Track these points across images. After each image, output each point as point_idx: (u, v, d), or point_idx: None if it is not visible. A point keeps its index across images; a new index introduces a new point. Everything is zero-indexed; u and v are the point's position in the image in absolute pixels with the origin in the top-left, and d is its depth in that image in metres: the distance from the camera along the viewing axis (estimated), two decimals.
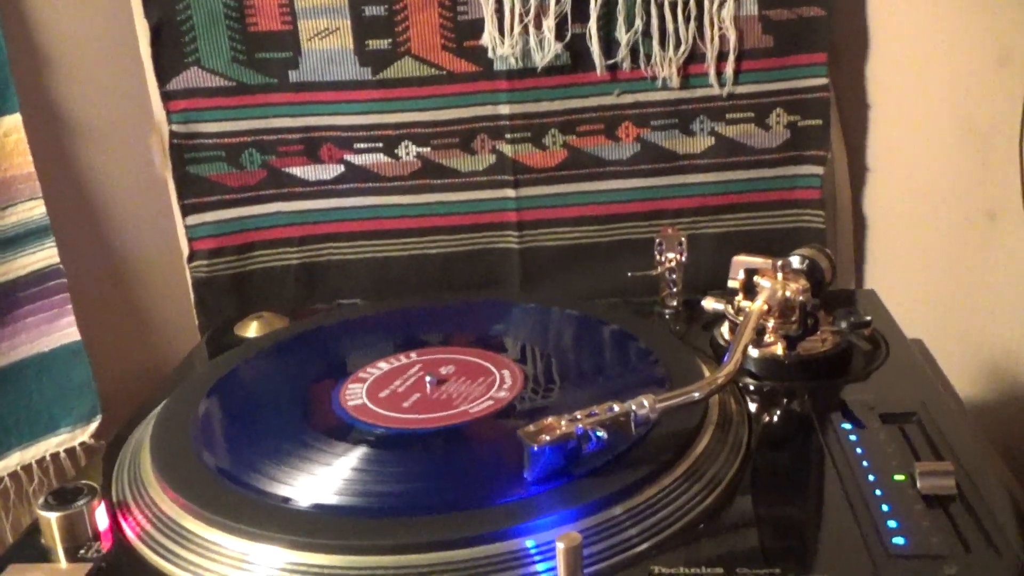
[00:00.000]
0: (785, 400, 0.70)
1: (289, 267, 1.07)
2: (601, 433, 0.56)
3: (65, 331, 0.92)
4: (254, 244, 1.06)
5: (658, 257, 0.83)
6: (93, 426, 0.94)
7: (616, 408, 0.58)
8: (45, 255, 0.91)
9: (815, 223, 1.06)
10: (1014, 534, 0.52)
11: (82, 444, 0.93)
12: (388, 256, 1.08)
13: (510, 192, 1.06)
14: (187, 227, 1.03)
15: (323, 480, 0.59)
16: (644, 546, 0.54)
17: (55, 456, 0.93)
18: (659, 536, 0.54)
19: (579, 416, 0.57)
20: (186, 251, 1.03)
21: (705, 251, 1.04)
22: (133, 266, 1.04)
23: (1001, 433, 0.92)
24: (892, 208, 1.10)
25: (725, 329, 0.77)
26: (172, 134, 1.01)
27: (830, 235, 1.09)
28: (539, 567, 0.52)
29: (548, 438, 0.56)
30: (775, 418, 0.68)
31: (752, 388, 0.71)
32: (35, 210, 0.90)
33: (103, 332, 0.98)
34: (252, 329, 0.87)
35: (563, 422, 0.57)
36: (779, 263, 0.73)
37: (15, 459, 0.90)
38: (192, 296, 1.04)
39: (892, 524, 0.53)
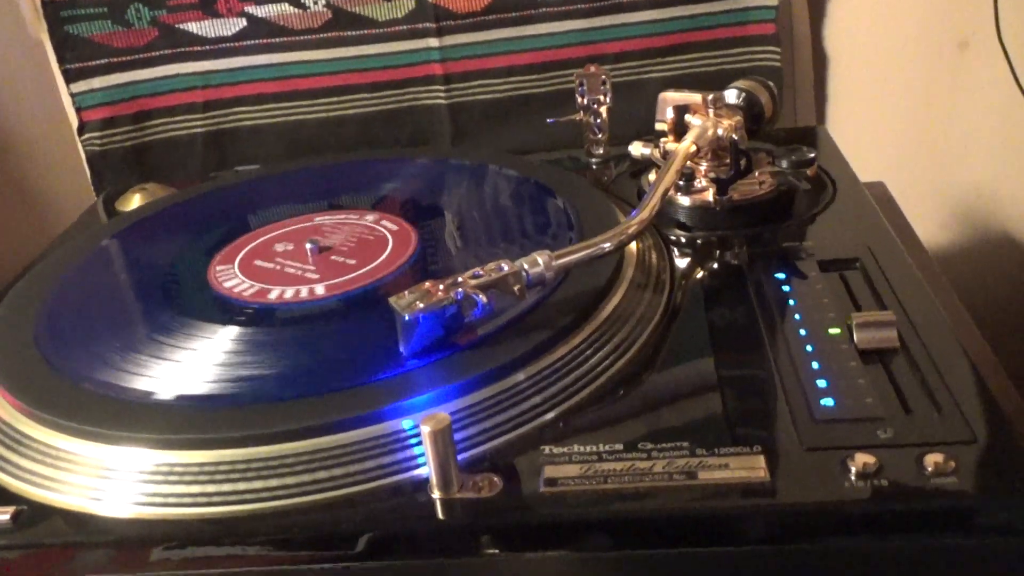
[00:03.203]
0: (717, 252, 0.62)
1: (194, 135, 0.97)
2: (481, 297, 0.48)
3: None
4: (151, 112, 0.96)
5: (580, 100, 0.74)
6: None
7: (506, 267, 0.50)
8: None
9: (771, 61, 0.97)
10: (963, 392, 0.45)
11: None
12: (302, 119, 0.99)
13: (433, 41, 0.97)
14: (72, 95, 0.93)
15: (188, 368, 0.51)
16: (534, 423, 0.46)
17: None
18: (553, 411, 0.47)
19: (460, 279, 0.49)
20: (75, 122, 0.94)
21: (651, 98, 0.95)
22: (18, 141, 0.94)
23: (972, 280, 0.85)
24: (855, 41, 1.01)
25: (653, 176, 0.69)
26: None
27: (787, 74, 1.00)
28: (416, 450, 0.45)
29: (422, 305, 0.48)
30: (704, 273, 0.60)
31: (684, 241, 0.63)
32: None
33: None
34: (134, 202, 0.78)
35: (441, 286, 0.49)
36: (711, 97, 0.64)
37: None
38: (87, 172, 0.95)
39: (822, 383, 0.46)
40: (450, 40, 0.97)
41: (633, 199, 0.69)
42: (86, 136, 0.94)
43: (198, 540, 0.43)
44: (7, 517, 0.44)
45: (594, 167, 0.76)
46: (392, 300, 0.48)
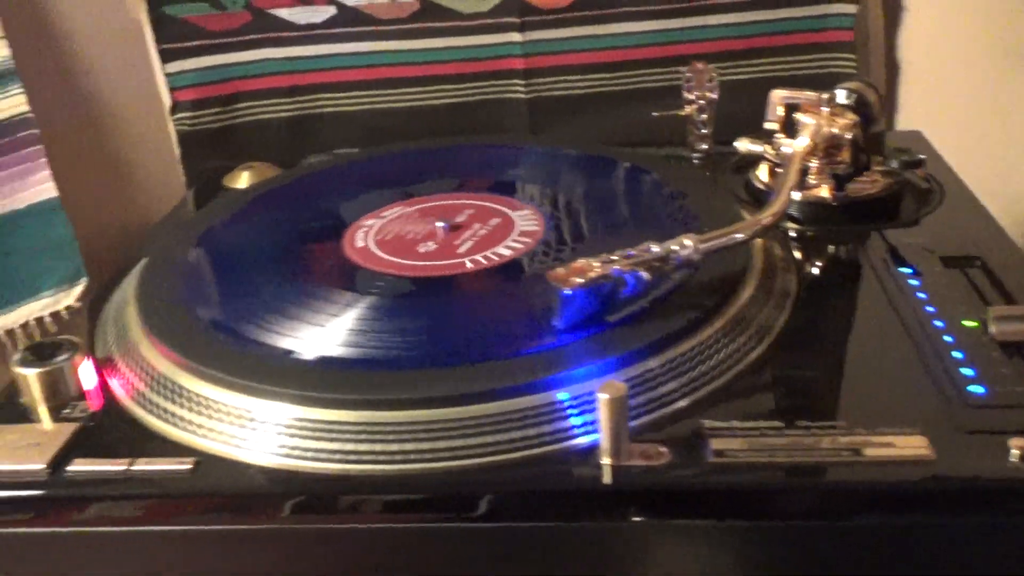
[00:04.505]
0: (832, 246, 0.64)
1: (279, 119, 0.99)
2: (644, 274, 0.50)
3: (41, 187, 0.85)
4: (240, 94, 0.98)
5: (686, 95, 0.76)
6: (78, 289, 0.87)
7: (655, 248, 0.52)
8: (13, 103, 0.83)
9: (846, 68, 0.99)
10: None
11: (68, 308, 0.87)
12: (385, 107, 1.00)
13: (516, 36, 0.98)
14: (167, 75, 0.94)
15: (331, 332, 0.53)
16: (685, 401, 0.48)
17: (40, 321, 0.86)
18: (703, 389, 0.49)
19: (615, 257, 0.51)
20: (168, 102, 0.95)
21: (724, 100, 0.96)
22: (113, 119, 0.96)
23: None
24: (927, 50, 1.02)
25: (763, 172, 0.71)
26: None
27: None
28: (573, 420, 0.47)
29: (581, 280, 0.49)
30: (822, 264, 0.62)
31: (794, 235, 0.65)
32: None
33: (82, 189, 0.90)
34: (243, 180, 0.80)
35: (597, 264, 0.50)
36: (824, 96, 0.66)
37: None
38: (177, 150, 0.96)
39: (967, 372, 0.48)
40: (533, 36, 0.98)
41: (739, 194, 0.71)
42: (178, 116, 0.95)
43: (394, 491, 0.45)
44: (188, 467, 0.46)
45: (695, 162, 0.78)
46: (550, 275, 0.50)
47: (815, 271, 0.61)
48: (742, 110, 0.89)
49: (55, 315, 0.87)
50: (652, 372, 0.48)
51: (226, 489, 0.45)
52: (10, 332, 0.86)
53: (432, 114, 1.01)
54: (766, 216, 0.56)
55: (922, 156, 0.67)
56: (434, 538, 0.45)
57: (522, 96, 1.00)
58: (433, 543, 0.45)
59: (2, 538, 0.46)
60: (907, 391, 0.48)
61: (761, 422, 0.46)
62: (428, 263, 0.60)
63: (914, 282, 0.57)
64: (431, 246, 0.62)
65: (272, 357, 0.51)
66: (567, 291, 0.49)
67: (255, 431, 0.47)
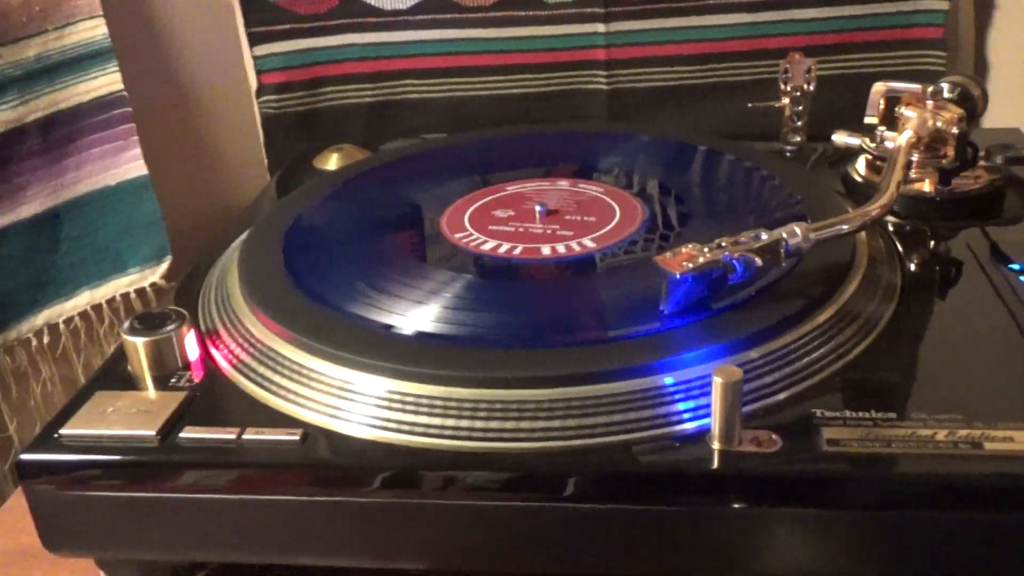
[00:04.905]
0: (933, 242, 0.62)
1: (361, 104, 1.00)
2: (753, 259, 0.49)
3: (131, 164, 0.86)
4: (324, 79, 0.98)
5: (783, 87, 0.75)
6: (163, 267, 0.89)
7: (764, 236, 0.51)
8: (108, 80, 0.84)
9: (935, 66, 0.97)
10: None
11: (152, 285, 0.89)
12: (466, 95, 1.00)
13: (600, 27, 0.98)
14: (255, 58, 0.95)
15: (430, 308, 0.53)
16: (793, 391, 0.47)
17: (125, 296, 0.88)
18: (813, 379, 0.48)
19: (724, 243, 0.50)
20: (254, 84, 0.96)
21: (812, 94, 0.95)
22: (199, 99, 0.97)
23: None
24: (1018, 49, 1.00)
25: (861, 165, 0.70)
26: None
27: None
28: (679, 406, 0.46)
29: (691, 266, 0.49)
30: (925, 259, 0.61)
31: (892, 228, 0.64)
32: (97, 30, 0.83)
33: (168, 167, 0.91)
34: (333, 161, 0.81)
35: (706, 249, 0.50)
36: (930, 89, 0.65)
37: (84, 298, 0.86)
38: (260, 132, 0.97)
39: None
40: (616, 27, 0.98)
41: (835, 186, 0.70)
42: (263, 99, 0.96)
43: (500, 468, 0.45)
44: (296, 438, 0.46)
45: (788, 154, 0.77)
46: (659, 259, 0.50)
47: (918, 265, 0.60)
48: (829, 105, 0.89)
49: (140, 292, 0.88)
50: (759, 360, 0.48)
51: (333, 462, 0.46)
52: (96, 308, 0.87)
53: (512, 102, 1.01)
54: (874, 208, 0.55)
55: None
56: (540, 519, 0.45)
57: (603, 87, 1.00)
58: (539, 524, 0.45)
59: (113, 502, 0.47)
60: (1022, 386, 0.47)
61: (874, 413, 0.45)
62: (525, 244, 0.60)
63: (1023, 279, 0.55)
64: (530, 228, 0.62)
65: (371, 331, 0.51)
66: (676, 275, 0.49)
67: (356, 403, 0.48)
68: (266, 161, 0.98)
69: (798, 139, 0.76)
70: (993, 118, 1.03)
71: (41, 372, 0.84)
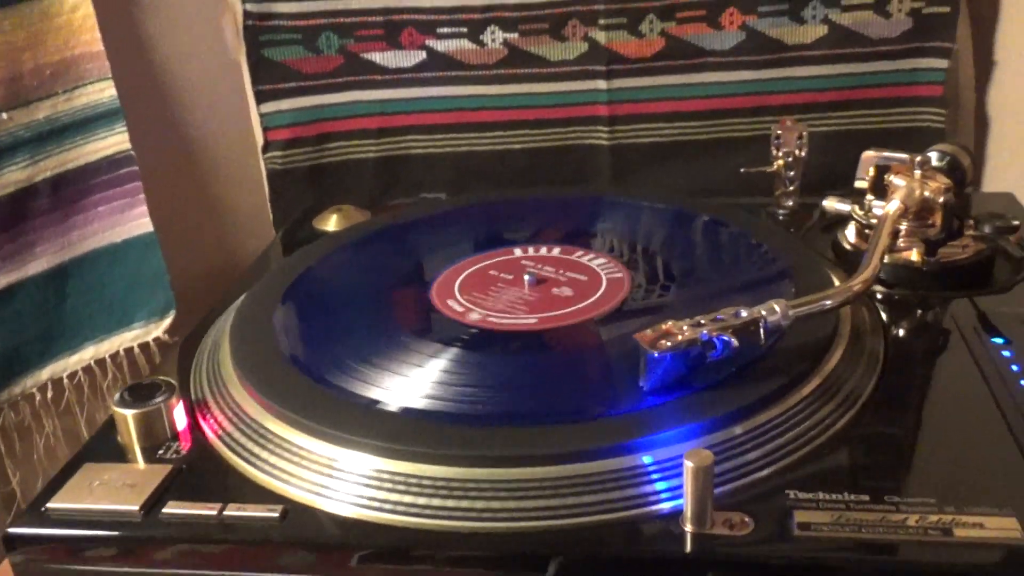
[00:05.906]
0: (920, 311, 0.63)
1: (367, 160, 1.01)
2: (730, 339, 0.50)
3: (138, 221, 0.88)
4: (330, 135, 1.00)
5: (775, 152, 0.76)
6: (167, 321, 0.90)
7: (744, 313, 0.52)
8: (116, 140, 0.86)
9: (935, 123, 0.98)
10: None
11: (156, 340, 0.90)
12: (471, 150, 1.02)
13: (602, 84, 0.99)
14: (262, 115, 0.97)
15: (415, 382, 0.54)
16: (771, 469, 0.48)
17: (129, 351, 0.89)
18: (789, 457, 0.49)
19: (703, 321, 0.51)
20: (260, 141, 0.98)
21: (811, 151, 0.96)
22: (206, 156, 0.99)
23: None
24: (1018, 107, 1.00)
25: (851, 232, 0.70)
26: (246, 14, 0.94)
27: (950, 136, 1.00)
28: (655, 486, 0.47)
29: (669, 344, 0.50)
30: (910, 329, 0.61)
31: (880, 297, 0.64)
32: (105, 92, 0.85)
33: (175, 224, 0.93)
34: (332, 223, 0.82)
35: (685, 327, 0.51)
36: (918, 159, 0.65)
37: (89, 352, 0.87)
38: (266, 188, 0.99)
39: None
40: (618, 83, 0.99)
41: (825, 253, 0.70)
42: (269, 154, 0.98)
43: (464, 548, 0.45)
44: (276, 515, 0.47)
45: (781, 218, 0.77)
46: (638, 337, 0.51)
47: (903, 336, 0.60)
48: (829, 161, 0.89)
49: (144, 347, 0.90)
50: (737, 439, 0.48)
51: (312, 540, 0.46)
52: (100, 362, 0.89)
53: (516, 157, 1.02)
54: (856, 283, 0.56)
55: (1016, 222, 0.66)
56: None
57: (605, 143, 1.01)
58: None
59: (99, 575, 0.48)
60: (998, 468, 0.47)
61: (847, 495, 0.45)
62: (512, 317, 0.61)
63: (1006, 353, 0.56)
64: (517, 298, 0.63)
65: (357, 406, 0.52)
66: (655, 354, 0.49)
67: (339, 480, 0.48)
68: (272, 216, 0.99)
69: (790, 203, 0.77)
70: (993, 175, 1.03)
71: (44, 426, 0.86)
